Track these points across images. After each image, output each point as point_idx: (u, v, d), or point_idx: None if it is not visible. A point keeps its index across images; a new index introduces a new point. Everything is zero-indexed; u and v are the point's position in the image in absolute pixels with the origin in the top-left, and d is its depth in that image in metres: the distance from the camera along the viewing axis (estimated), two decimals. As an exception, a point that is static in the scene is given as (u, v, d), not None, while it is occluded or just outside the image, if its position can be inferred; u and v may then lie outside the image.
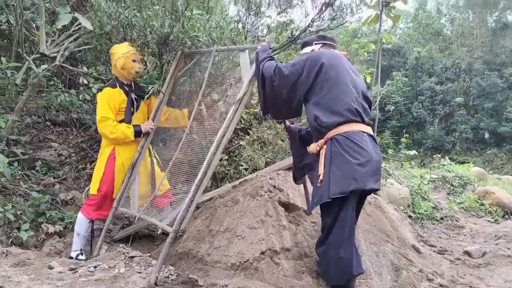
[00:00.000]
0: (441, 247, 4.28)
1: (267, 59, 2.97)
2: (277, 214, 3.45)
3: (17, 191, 3.93)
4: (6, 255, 3.25)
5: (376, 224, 3.80)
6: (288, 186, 3.75)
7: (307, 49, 3.07)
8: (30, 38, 5.12)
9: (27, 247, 3.62)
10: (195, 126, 3.59)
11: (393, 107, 32.03)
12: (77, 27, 4.67)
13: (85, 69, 4.86)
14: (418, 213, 6.24)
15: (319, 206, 2.75)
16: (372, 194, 4.17)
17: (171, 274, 3.05)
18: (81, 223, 3.62)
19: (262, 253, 3.17)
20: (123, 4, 3.73)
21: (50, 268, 3.09)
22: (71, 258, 3.56)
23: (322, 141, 2.70)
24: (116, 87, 3.59)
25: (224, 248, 3.24)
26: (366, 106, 2.82)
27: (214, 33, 3.60)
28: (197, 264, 3.26)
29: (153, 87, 3.50)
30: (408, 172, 7.04)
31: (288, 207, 3.64)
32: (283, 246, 3.25)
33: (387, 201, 6.14)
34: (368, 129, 2.78)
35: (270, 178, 3.77)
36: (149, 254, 3.49)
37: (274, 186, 3.68)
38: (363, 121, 2.71)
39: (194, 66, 3.77)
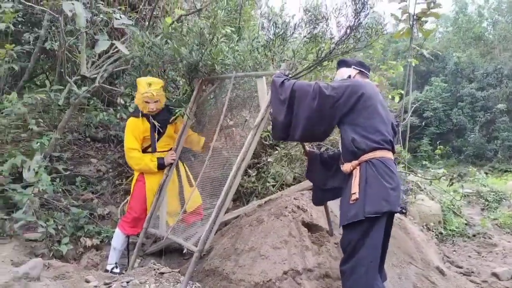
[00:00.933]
0: (467, 268, 4.25)
1: (291, 79, 3.09)
2: (300, 234, 3.57)
3: (58, 206, 4.23)
4: (48, 267, 3.51)
5: (400, 246, 3.84)
6: (312, 206, 3.84)
7: (345, 70, 3.18)
8: (73, 60, 5.47)
9: (67, 259, 3.88)
10: (225, 143, 3.76)
11: (431, 113, 31.34)
12: (115, 50, 4.97)
13: (122, 88, 5.14)
14: (450, 230, 6.16)
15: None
16: (397, 215, 4.23)
17: (197, 291, 3.22)
18: (118, 238, 3.85)
19: (285, 273, 3.28)
20: (155, 33, 3.93)
21: (87, 282, 3.31)
22: (106, 271, 3.79)
23: (356, 162, 2.83)
24: (139, 116, 3.79)
25: (249, 267, 3.37)
26: (393, 137, 3.00)
27: (239, 57, 3.76)
28: (222, 281, 3.40)
29: (180, 110, 3.71)
30: (440, 187, 6.95)
31: (311, 227, 3.74)
32: (305, 267, 3.36)
33: (418, 218, 6.12)
34: (392, 157, 2.92)
35: (294, 198, 3.88)
36: (178, 270, 3.67)
37: (298, 207, 3.79)
38: (392, 150, 2.90)
39: (219, 89, 3.94)
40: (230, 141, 3.68)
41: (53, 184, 4.25)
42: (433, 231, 5.98)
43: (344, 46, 4.28)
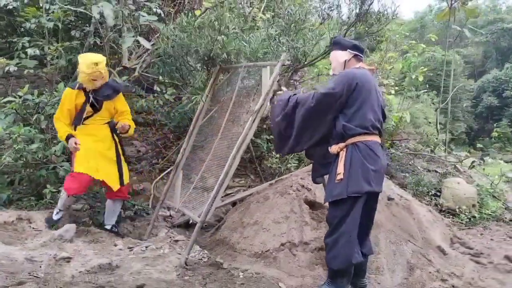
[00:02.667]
0: (477, 249, 4.26)
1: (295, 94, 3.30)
2: (301, 211, 3.87)
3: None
4: (87, 233, 4.13)
5: (401, 225, 3.99)
6: (316, 186, 4.09)
7: (340, 54, 3.26)
8: (119, 52, 6.09)
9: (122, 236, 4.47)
10: (231, 128, 4.10)
11: (512, 93, 29.30)
12: (152, 43, 5.49)
13: (161, 77, 5.65)
14: (484, 214, 6.06)
15: None
16: (403, 196, 4.37)
17: (203, 257, 3.67)
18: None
19: (282, 244, 3.63)
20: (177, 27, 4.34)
21: (115, 245, 3.89)
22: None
23: (343, 144, 3.07)
24: (76, 88, 3.88)
25: (251, 238, 3.76)
26: (382, 121, 3.21)
27: (247, 48, 4.07)
28: (228, 250, 3.83)
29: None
30: (478, 170, 6.78)
31: (314, 205, 4.02)
32: (302, 240, 3.68)
33: (451, 201, 6.11)
34: (379, 140, 3.13)
35: (300, 178, 4.17)
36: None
37: (303, 186, 4.08)
38: (379, 134, 3.13)
39: (234, 77, 4.28)
40: (236, 125, 4.00)
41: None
42: (464, 214, 5.94)
43: (354, 31, 4.46)
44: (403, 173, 6.53)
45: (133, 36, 4.34)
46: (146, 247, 3.79)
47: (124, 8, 4.43)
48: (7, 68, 4.71)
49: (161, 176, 5.20)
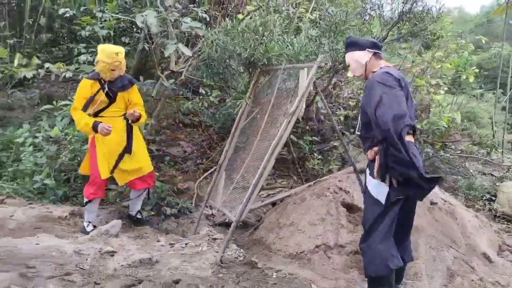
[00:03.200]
0: (527, 258, 4.03)
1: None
2: (337, 213, 3.85)
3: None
4: (133, 229, 4.38)
5: (443, 230, 3.85)
6: (355, 188, 4.06)
7: (359, 55, 3.06)
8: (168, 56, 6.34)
9: (150, 224, 4.70)
10: (269, 130, 4.15)
11: None
12: (197, 47, 5.66)
13: (205, 80, 5.83)
14: (545, 221, 5.69)
15: None
16: (447, 200, 4.22)
17: (239, 256, 3.75)
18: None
19: (317, 246, 3.64)
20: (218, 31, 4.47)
21: (158, 241, 4.08)
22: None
23: (377, 148, 3.02)
24: (92, 79, 3.92)
25: (286, 239, 3.80)
26: (415, 120, 3.09)
27: (290, 51, 4.10)
28: (264, 250, 3.89)
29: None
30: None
31: (351, 208, 3.98)
32: (337, 243, 3.66)
33: (507, 206, 5.80)
34: (413, 140, 3.04)
35: (338, 181, 4.14)
36: (234, 238, 4.24)
37: (340, 188, 4.05)
38: (413, 134, 3.02)
39: (274, 79, 4.33)
40: (273, 127, 4.04)
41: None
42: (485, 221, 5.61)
43: (398, 30, 4.36)
44: (454, 175, 6.26)
45: (175, 43, 4.49)
46: (185, 244, 3.93)
47: (169, 15, 4.61)
48: (64, 74, 5.06)
49: (204, 175, 5.35)
